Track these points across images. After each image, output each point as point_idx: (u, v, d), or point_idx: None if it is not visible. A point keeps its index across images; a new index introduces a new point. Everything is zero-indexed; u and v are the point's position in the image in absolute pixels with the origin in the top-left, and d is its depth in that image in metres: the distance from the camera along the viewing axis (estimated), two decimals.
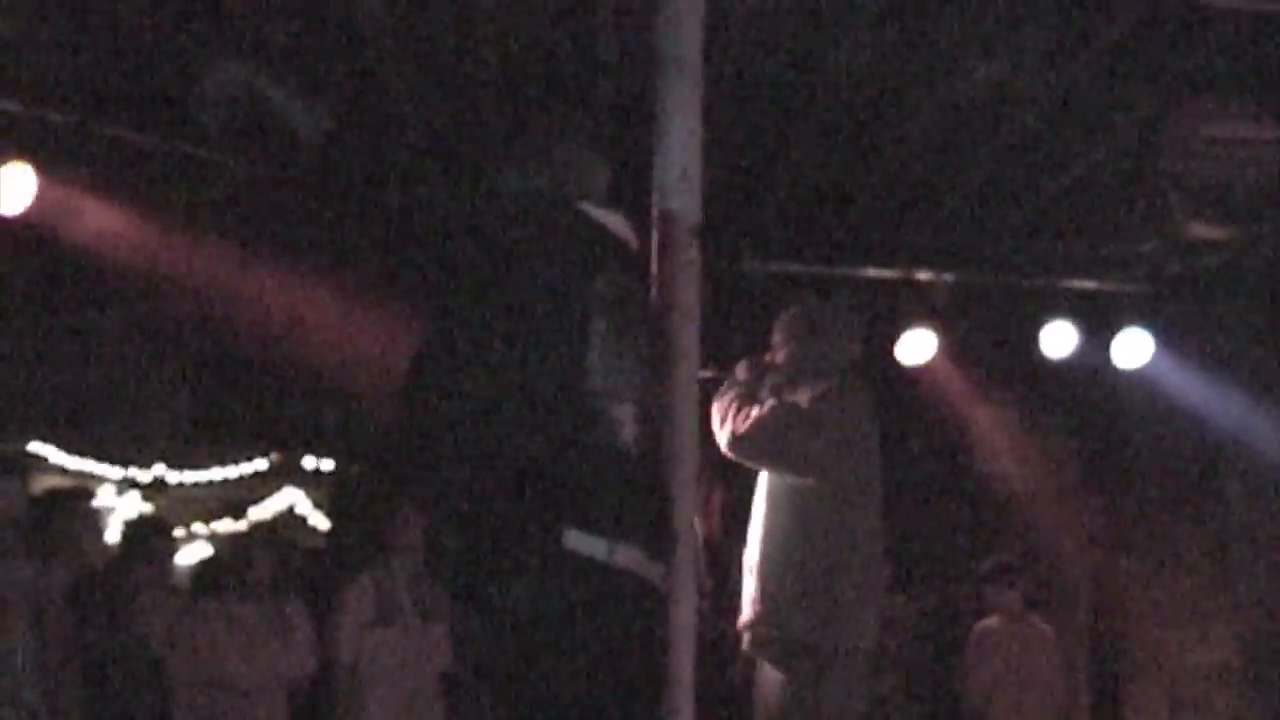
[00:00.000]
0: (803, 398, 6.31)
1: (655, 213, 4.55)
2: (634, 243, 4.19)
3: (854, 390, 6.44)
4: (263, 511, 16.44)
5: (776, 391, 6.39)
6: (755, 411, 6.24)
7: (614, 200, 4.16)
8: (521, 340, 3.79)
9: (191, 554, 14.53)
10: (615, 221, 4.12)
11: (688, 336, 4.57)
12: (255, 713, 7.59)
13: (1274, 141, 7.75)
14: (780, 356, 6.54)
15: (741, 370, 6.51)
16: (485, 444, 3.77)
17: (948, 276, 9.83)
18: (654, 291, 4.54)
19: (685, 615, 4.53)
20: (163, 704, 7.51)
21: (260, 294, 9.60)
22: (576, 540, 3.73)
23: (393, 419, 3.92)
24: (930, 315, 9.78)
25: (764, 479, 6.43)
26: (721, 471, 7.61)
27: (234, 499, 16.05)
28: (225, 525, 16.38)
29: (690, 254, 4.56)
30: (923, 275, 9.83)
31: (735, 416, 6.26)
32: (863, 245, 9.72)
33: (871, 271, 9.85)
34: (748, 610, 6.33)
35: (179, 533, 16.53)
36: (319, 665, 7.72)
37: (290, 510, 16.50)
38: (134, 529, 8.92)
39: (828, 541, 6.21)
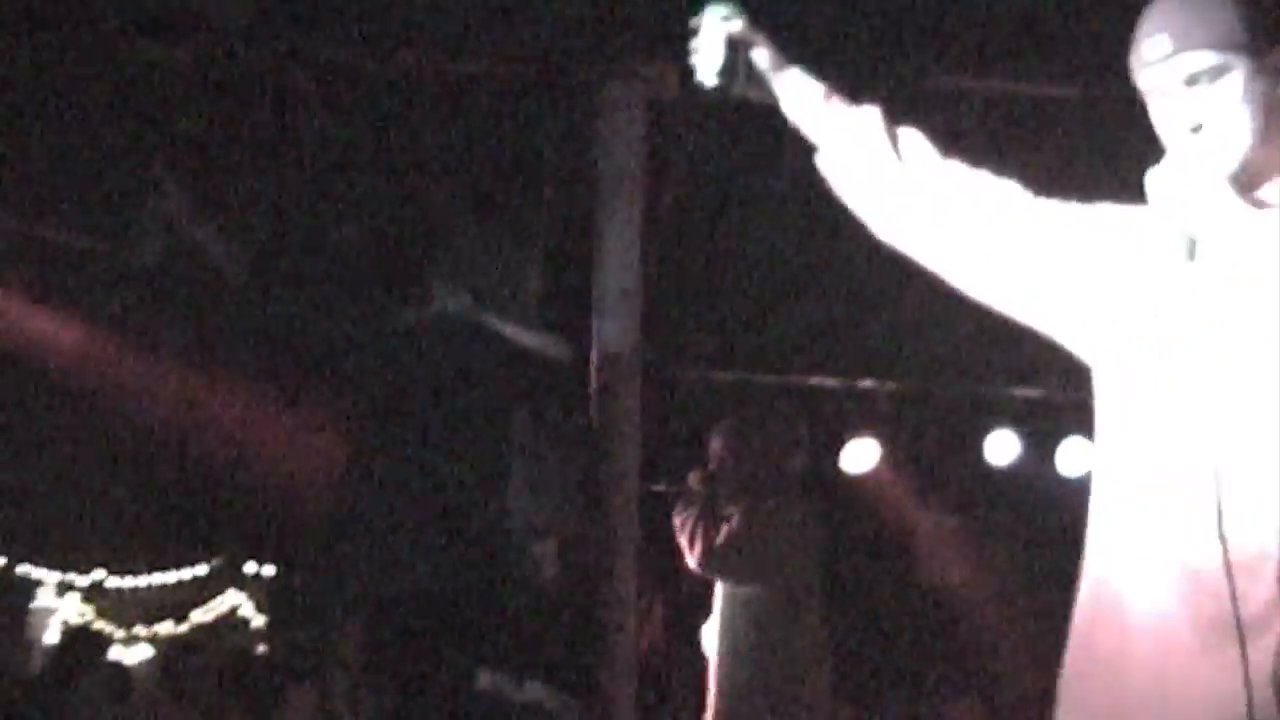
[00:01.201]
0: (753, 508, 6.29)
1: (594, 332, 4.56)
2: (567, 362, 4.13)
3: (797, 503, 6.43)
4: (205, 615, 16.26)
5: (735, 502, 6.36)
6: (725, 529, 6.19)
7: (545, 316, 4.10)
8: (439, 478, 3.74)
9: (133, 656, 14.37)
10: (546, 343, 4.07)
11: (628, 454, 4.56)
12: None
13: None
14: (718, 466, 6.50)
15: (694, 480, 6.46)
16: (401, 581, 3.74)
17: (891, 385, 9.85)
18: (593, 409, 4.53)
19: None
20: None
21: (202, 401, 9.55)
22: (485, 680, 3.71)
23: (317, 540, 3.93)
24: (874, 423, 9.79)
25: (718, 588, 6.39)
26: (662, 582, 7.57)
27: (176, 601, 15.87)
28: (167, 628, 16.17)
29: (630, 371, 4.56)
30: (866, 383, 9.85)
31: (703, 537, 6.21)
32: (806, 353, 9.73)
33: (815, 380, 9.85)
34: (710, 713, 6.29)
35: (120, 635, 16.35)
36: None
37: (233, 613, 16.32)
38: (70, 642, 8.81)
39: (782, 645, 6.19)
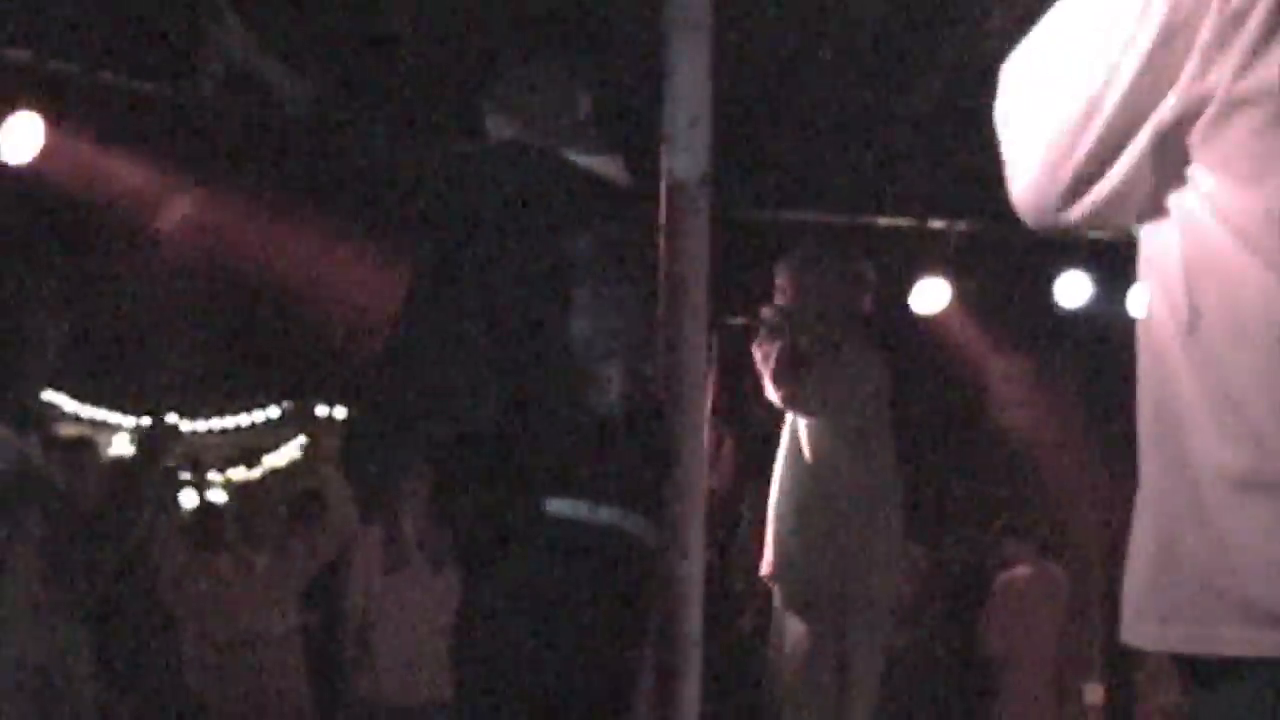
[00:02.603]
0: (831, 344, 6.27)
1: (664, 163, 4.51)
2: (627, 183, 4.10)
3: (864, 344, 6.39)
4: (277, 459, 16.41)
5: (807, 335, 6.31)
6: (805, 364, 6.18)
7: (605, 137, 4.07)
8: (505, 300, 3.74)
9: (205, 501, 14.54)
10: (604, 163, 4.02)
11: (697, 288, 4.53)
12: (266, 661, 7.60)
13: None
14: (784, 300, 6.47)
15: (768, 313, 6.42)
16: (467, 408, 3.74)
17: (962, 225, 9.77)
18: (663, 243, 4.50)
19: (694, 569, 4.51)
20: (174, 655, 7.51)
21: (272, 241, 9.58)
22: (559, 507, 3.71)
23: (381, 375, 3.92)
24: (944, 264, 9.73)
25: (785, 431, 6.37)
26: (731, 421, 7.57)
27: (248, 446, 16.02)
28: (239, 473, 16.35)
29: (699, 205, 4.51)
30: (937, 224, 9.77)
31: (789, 376, 6.19)
32: (877, 193, 9.65)
33: (885, 220, 9.78)
34: (769, 560, 6.29)
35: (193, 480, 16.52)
36: (330, 613, 7.73)
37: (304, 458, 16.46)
38: (139, 477, 8.88)
39: (841, 490, 6.17)
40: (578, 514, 3.72)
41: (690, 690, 4.41)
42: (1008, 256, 10.21)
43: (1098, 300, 9.91)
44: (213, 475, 16.76)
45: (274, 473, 15.83)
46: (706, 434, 5.06)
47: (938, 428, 10.95)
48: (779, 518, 6.27)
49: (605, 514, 3.75)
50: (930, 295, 9.79)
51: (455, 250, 3.80)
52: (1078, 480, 11.10)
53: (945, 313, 9.98)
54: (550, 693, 3.72)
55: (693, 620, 4.47)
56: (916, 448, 9.16)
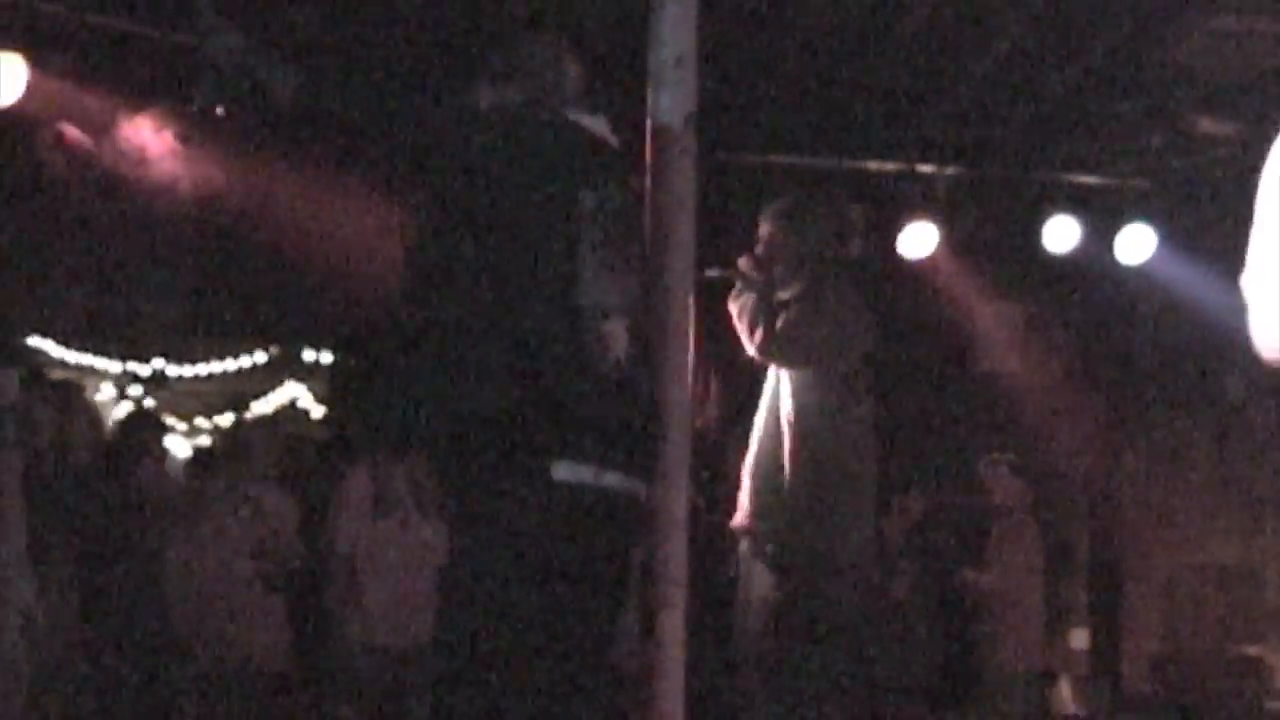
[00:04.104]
0: (811, 293, 6.21)
1: (649, 101, 4.49)
2: (615, 144, 4.11)
3: (844, 290, 6.33)
4: (265, 406, 16.43)
5: (788, 286, 6.26)
6: (783, 315, 6.13)
7: (592, 101, 4.10)
8: (511, 260, 3.75)
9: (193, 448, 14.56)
10: (596, 124, 4.05)
11: (683, 226, 4.51)
12: (249, 603, 7.61)
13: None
14: (766, 251, 6.42)
15: (745, 265, 6.37)
16: (475, 368, 3.74)
17: (950, 169, 9.75)
18: (649, 182, 4.48)
19: (677, 508, 4.51)
20: (159, 599, 7.51)
21: (259, 186, 9.52)
22: (565, 471, 3.73)
23: (387, 332, 3.92)
24: (933, 208, 9.71)
25: (767, 385, 6.33)
26: (718, 364, 7.56)
27: (236, 393, 16.04)
28: (227, 420, 16.36)
29: (685, 143, 4.49)
30: (925, 168, 9.75)
31: (763, 324, 6.15)
32: (865, 137, 9.63)
33: (873, 164, 9.76)
34: (743, 511, 6.26)
35: (181, 427, 16.54)
36: (317, 557, 7.72)
37: (293, 404, 16.49)
38: (128, 424, 8.88)
39: (822, 445, 6.13)
40: (583, 478, 3.75)
41: (675, 627, 4.42)
42: (996, 200, 10.20)
43: (1086, 244, 9.90)
44: (200, 421, 16.81)
45: (260, 419, 15.85)
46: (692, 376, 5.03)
47: (925, 373, 10.95)
48: (757, 472, 6.22)
49: (609, 479, 3.80)
50: (918, 239, 9.78)
51: (464, 213, 3.81)
52: (1066, 425, 11.11)
53: (933, 257, 9.96)
54: (529, 641, 3.73)
55: (677, 559, 4.47)
56: (904, 392, 9.16)
